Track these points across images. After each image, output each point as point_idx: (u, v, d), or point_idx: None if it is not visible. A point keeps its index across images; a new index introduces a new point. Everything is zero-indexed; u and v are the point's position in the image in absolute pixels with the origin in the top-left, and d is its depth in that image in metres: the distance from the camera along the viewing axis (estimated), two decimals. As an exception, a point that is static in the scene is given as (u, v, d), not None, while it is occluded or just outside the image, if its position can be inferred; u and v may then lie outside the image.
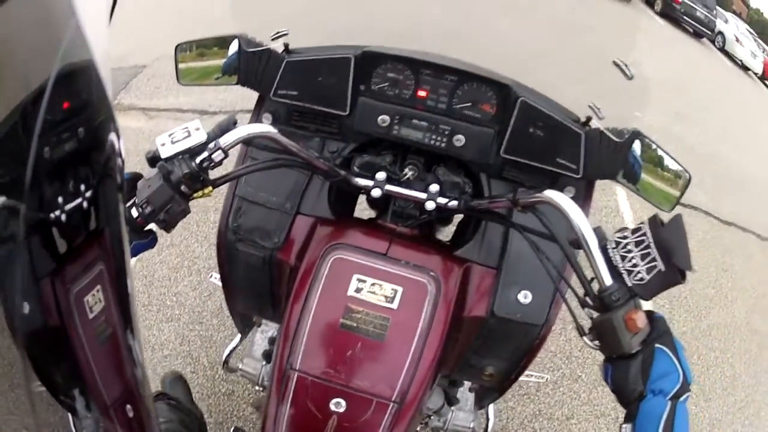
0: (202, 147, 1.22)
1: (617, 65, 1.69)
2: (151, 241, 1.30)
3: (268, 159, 1.44)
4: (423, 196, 1.50)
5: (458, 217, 1.94)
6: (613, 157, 1.44)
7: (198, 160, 1.21)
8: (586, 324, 1.18)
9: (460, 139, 1.53)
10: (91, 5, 0.71)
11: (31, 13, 0.62)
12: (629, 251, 1.09)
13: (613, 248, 1.11)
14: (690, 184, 1.50)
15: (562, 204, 1.20)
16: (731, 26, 22.01)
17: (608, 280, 1.09)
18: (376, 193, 1.49)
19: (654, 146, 1.44)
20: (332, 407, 1.34)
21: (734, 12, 43.68)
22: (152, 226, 1.25)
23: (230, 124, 1.26)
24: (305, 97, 1.56)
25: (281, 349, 1.40)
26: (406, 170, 1.54)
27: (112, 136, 0.73)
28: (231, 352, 2.26)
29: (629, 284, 1.08)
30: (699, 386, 3.95)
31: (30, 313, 0.60)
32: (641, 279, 1.07)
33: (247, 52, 1.57)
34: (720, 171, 7.39)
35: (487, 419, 2.24)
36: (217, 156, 1.23)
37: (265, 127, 1.34)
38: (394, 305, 1.37)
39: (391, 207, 1.61)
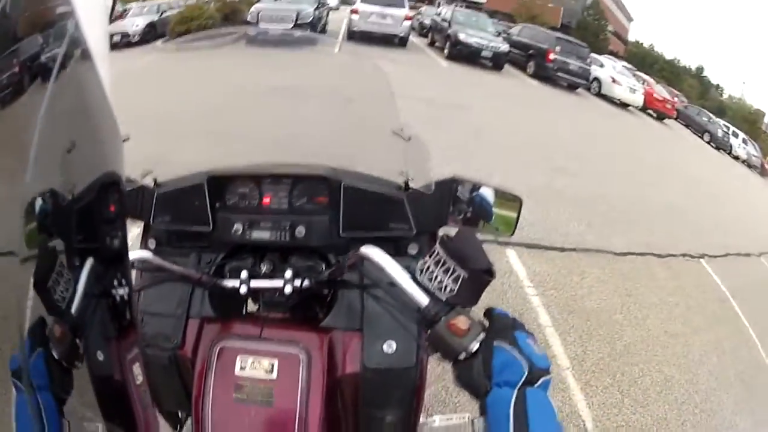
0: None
1: (396, 133, 1.80)
2: None
3: (150, 279, 1.68)
4: (280, 283, 1.66)
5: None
6: (437, 206, 1.65)
7: None
8: None
9: (300, 231, 1.73)
10: (91, 5, 0.79)
11: (31, 13, 0.68)
12: (432, 272, 1.23)
13: (420, 274, 1.25)
14: (522, 205, 1.70)
15: (370, 254, 1.38)
16: (607, 69, 23.79)
17: (425, 301, 1.22)
18: (243, 290, 1.65)
19: (479, 183, 1.65)
20: None
21: (611, 52, 46.68)
22: None
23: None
24: (176, 221, 1.78)
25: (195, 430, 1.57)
26: (263, 266, 1.73)
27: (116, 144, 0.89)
28: None
29: (443, 298, 1.20)
30: (632, 398, 4.54)
31: (104, 362, 0.80)
32: (452, 290, 1.19)
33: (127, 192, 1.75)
34: (606, 210, 8.44)
35: None
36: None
37: (140, 254, 1.58)
38: (274, 375, 1.52)
39: (261, 299, 1.78)
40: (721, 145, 29.32)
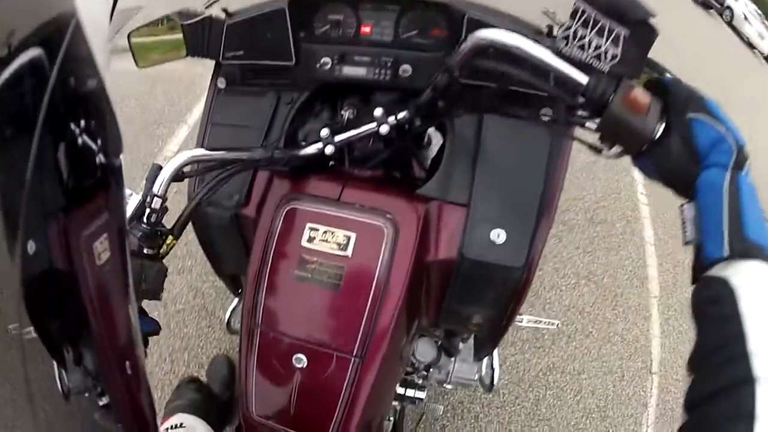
0: (141, 207, 1.20)
1: (547, 15, 1.51)
2: (154, 326, 1.27)
3: (212, 179, 1.35)
4: (372, 125, 1.42)
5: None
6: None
7: (144, 219, 1.19)
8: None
9: (406, 70, 1.50)
10: (92, 5, 0.73)
11: (32, 11, 0.62)
12: (583, 38, 0.99)
13: (566, 47, 1.01)
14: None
15: (495, 36, 1.08)
16: (740, 4, 22.32)
17: (584, 79, 1.00)
18: (329, 150, 1.43)
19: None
20: (294, 363, 1.35)
21: None
22: (143, 305, 1.24)
23: (155, 171, 1.23)
24: (252, 55, 1.59)
25: (246, 305, 1.42)
26: (344, 113, 1.52)
27: (113, 131, 0.73)
28: (231, 313, 2.27)
29: (606, 69, 0.99)
30: None
31: (36, 253, 0.61)
32: (614, 56, 0.98)
33: (186, 25, 1.58)
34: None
35: (492, 370, 2.18)
36: (156, 204, 1.21)
37: (187, 155, 1.28)
38: (348, 252, 1.35)
39: (347, 155, 1.57)
40: None
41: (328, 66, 1.53)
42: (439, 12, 1.47)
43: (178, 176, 1.26)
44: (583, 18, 0.98)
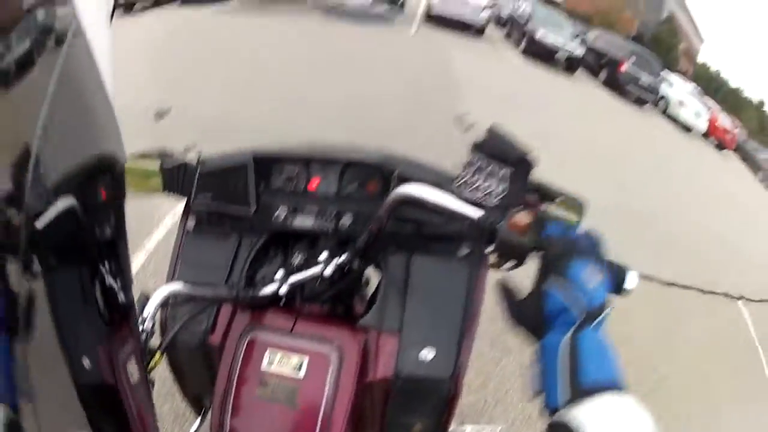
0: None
1: (459, 120, 1.78)
2: None
3: (186, 313, 1.54)
4: (318, 268, 1.60)
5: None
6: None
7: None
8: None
9: (346, 221, 1.67)
10: (92, 5, 0.78)
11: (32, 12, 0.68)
12: (475, 181, 1.22)
13: (461, 189, 1.25)
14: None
15: (407, 191, 1.29)
16: (676, 88, 23.39)
17: (477, 214, 1.18)
18: (283, 290, 1.58)
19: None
20: None
21: (679, 71, 45.71)
22: None
23: (143, 301, 1.32)
24: (218, 201, 1.72)
25: (213, 425, 1.53)
26: (295, 258, 1.69)
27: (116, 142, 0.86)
28: None
29: (495, 203, 1.21)
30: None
31: (90, 369, 0.77)
32: (502, 191, 1.20)
33: (165, 168, 1.74)
34: (658, 233, 8.59)
35: None
36: (148, 326, 1.29)
37: (170, 288, 1.39)
38: (301, 374, 1.48)
39: (299, 293, 1.68)
40: None
41: (281, 217, 1.70)
42: (374, 169, 1.69)
43: (164, 303, 1.37)
44: (475, 165, 1.23)
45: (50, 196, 0.71)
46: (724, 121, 27.38)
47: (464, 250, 1.58)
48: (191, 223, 1.80)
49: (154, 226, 4.87)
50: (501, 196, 1.24)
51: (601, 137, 13.03)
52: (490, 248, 1.20)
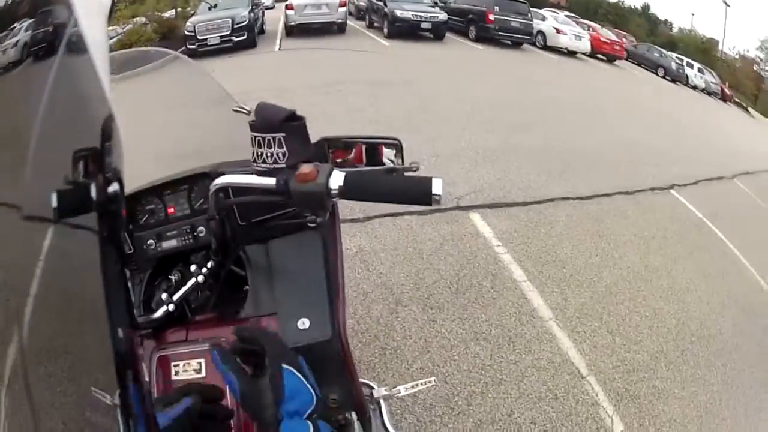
0: None
1: (237, 110, 1.94)
2: None
3: None
4: (192, 280, 1.71)
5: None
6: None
7: None
8: None
9: (201, 231, 1.81)
10: (91, 5, 0.79)
11: (30, 10, 0.67)
12: (262, 155, 1.41)
13: (256, 164, 1.42)
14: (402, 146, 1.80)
15: (221, 181, 1.44)
16: (549, 21, 24.04)
17: (272, 181, 1.32)
18: (171, 308, 1.68)
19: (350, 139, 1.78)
20: None
21: (553, 4, 46.76)
22: None
23: None
24: None
25: None
26: (171, 277, 1.79)
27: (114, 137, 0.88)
28: None
29: (282, 166, 1.37)
30: (623, 336, 4.54)
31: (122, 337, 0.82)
32: (284, 154, 1.38)
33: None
34: (567, 158, 8.43)
35: None
36: None
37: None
38: (203, 373, 1.59)
39: (187, 307, 1.79)
40: (677, 77, 29.79)
41: (153, 246, 1.83)
42: (210, 177, 1.73)
43: None
44: (256, 141, 1.37)
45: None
46: (608, 34, 28.33)
47: (313, 221, 1.68)
48: None
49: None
50: (286, 158, 1.35)
51: (484, 89, 13.00)
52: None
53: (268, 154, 1.38)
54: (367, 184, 1.30)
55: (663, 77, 29.31)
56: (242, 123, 1.74)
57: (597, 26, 29.49)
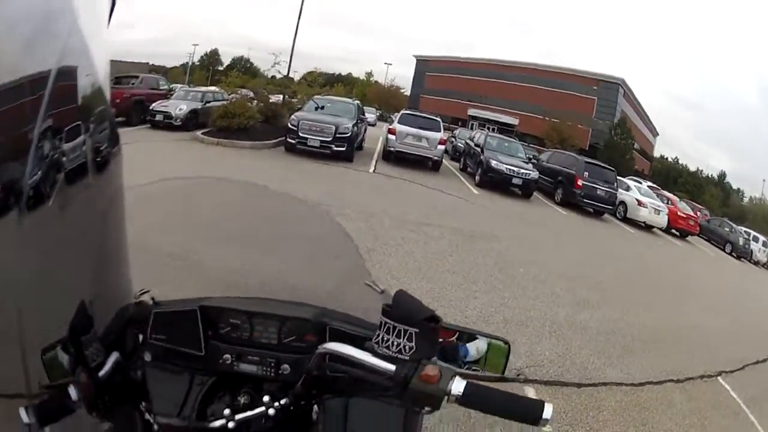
0: None
1: (369, 285, 1.91)
2: None
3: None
4: (262, 408, 1.71)
5: None
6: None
7: None
8: None
9: (285, 368, 1.78)
10: (91, 7, 0.79)
11: (30, 15, 0.67)
12: (387, 340, 1.37)
13: (378, 347, 1.39)
14: (510, 349, 1.75)
15: (329, 347, 1.48)
16: (633, 192, 24.17)
17: (391, 368, 1.33)
18: (231, 425, 1.67)
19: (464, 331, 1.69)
20: None
21: (637, 171, 47.03)
22: None
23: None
24: (171, 340, 1.79)
25: None
26: (240, 398, 1.78)
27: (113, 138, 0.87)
28: None
29: (406, 358, 1.34)
30: None
31: None
32: (411, 348, 1.33)
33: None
34: (626, 340, 8.81)
35: None
36: None
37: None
38: None
39: (245, 429, 1.74)
40: (742, 254, 29.84)
41: (229, 362, 1.80)
42: (309, 323, 1.82)
43: None
44: (385, 326, 1.36)
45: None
46: (685, 208, 28.54)
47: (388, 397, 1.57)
48: (148, 357, 1.84)
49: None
50: (411, 352, 1.33)
51: (560, 256, 13.63)
52: (402, 402, 1.35)
53: (394, 343, 1.36)
54: (484, 398, 1.29)
55: (730, 253, 29.23)
56: (353, 272, 1.97)
57: (676, 199, 29.88)
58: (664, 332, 9.93)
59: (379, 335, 1.39)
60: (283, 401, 1.70)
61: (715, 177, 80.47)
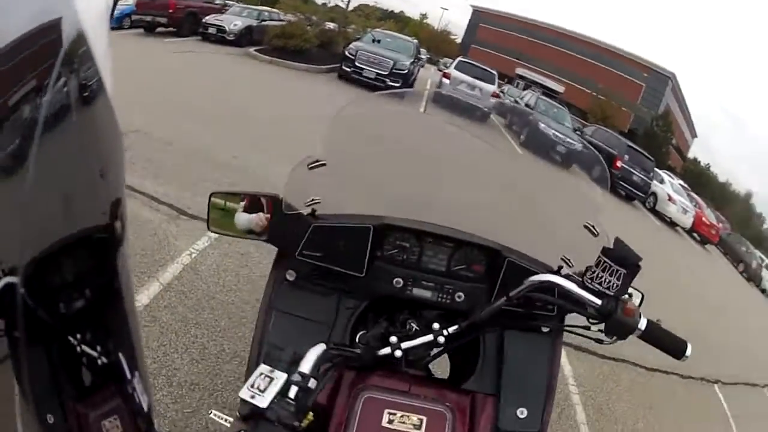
0: (287, 384, 1.33)
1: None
2: None
3: (324, 372, 1.49)
4: (431, 337, 1.70)
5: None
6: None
7: (292, 395, 1.31)
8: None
9: (460, 296, 1.79)
10: (92, 5, 0.77)
11: (31, 14, 0.65)
12: (601, 276, 1.48)
13: (590, 282, 1.50)
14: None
15: (548, 278, 1.54)
16: (666, 186, 23.84)
17: (598, 301, 1.45)
18: (398, 354, 1.68)
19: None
20: None
21: (669, 167, 46.31)
22: None
23: (295, 356, 1.40)
24: (327, 258, 1.72)
25: None
26: (410, 325, 1.77)
27: (115, 136, 0.85)
28: None
29: (612, 294, 1.46)
30: None
31: (54, 424, 0.76)
32: (616, 285, 1.46)
33: (282, 214, 1.74)
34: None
35: None
36: (312, 384, 1.35)
37: (321, 348, 1.47)
38: (422, 431, 1.55)
39: (405, 356, 1.74)
40: (752, 277, 29.44)
41: (401, 285, 1.78)
42: (483, 252, 1.83)
43: (326, 359, 1.47)
44: (603, 265, 1.48)
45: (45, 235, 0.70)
46: (710, 216, 28.15)
47: (546, 328, 1.82)
48: (291, 275, 1.81)
49: (167, 258, 4.98)
50: (616, 290, 1.48)
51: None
52: (605, 329, 1.49)
53: (606, 280, 1.48)
54: (653, 333, 1.48)
55: (741, 273, 29.03)
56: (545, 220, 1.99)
57: (704, 204, 29.44)
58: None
59: (594, 271, 1.50)
60: (452, 329, 1.75)
61: (742, 194, 79.32)
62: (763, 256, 32.52)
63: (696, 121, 79.94)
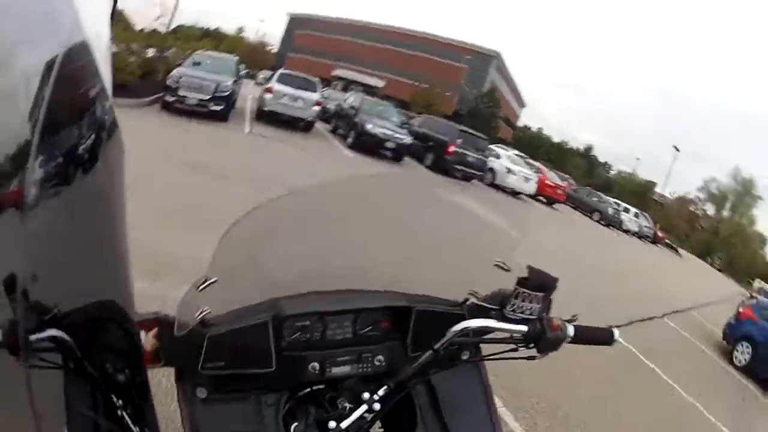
0: None
1: (498, 265, 1.83)
2: None
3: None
4: (366, 407, 1.64)
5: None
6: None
7: None
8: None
9: (380, 360, 1.71)
10: (92, 5, 0.76)
11: (32, 13, 0.65)
12: (521, 306, 1.56)
13: (512, 313, 1.56)
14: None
15: (471, 324, 1.57)
16: (503, 159, 24.86)
17: (524, 328, 1.53)
18: None
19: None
20: None
21: (500, 139, 48.51)
22: None
23: None
24: (232, 364, 1.62)
25: None
26: (342, 404, 1.68)
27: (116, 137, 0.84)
28: None
29: (534, 317, 1.55)
30: None
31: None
32: (537, 309, 1.56)
33: (171, 334, 1.64)
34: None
35: None
36: None
37: None
38: None
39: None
40: (612, 222, 31.76)
41: (317, 369, 1.67)
42: (385, 310, 1.77)
43: None
44: (523, 295, 1.55)
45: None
46: (553, 177, 29.95)
47: (465, 354, 1.75)
48: (202, 393, 1.63)
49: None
50: (540, 313, 1.55)
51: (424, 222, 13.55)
52: (535, 347, 1.52)
53: (527, 308, 1.56)
54: (582, 334, 1.57)
55: (598, 221, 30.99)
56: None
57: (544, 168, 31.16)
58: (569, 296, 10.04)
59: (514, 303, 1.56)
60: (381, 392, 1.65)
61: (581, 149, 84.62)
62: (618, 201, 35.43)
63: (525, 92, 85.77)
